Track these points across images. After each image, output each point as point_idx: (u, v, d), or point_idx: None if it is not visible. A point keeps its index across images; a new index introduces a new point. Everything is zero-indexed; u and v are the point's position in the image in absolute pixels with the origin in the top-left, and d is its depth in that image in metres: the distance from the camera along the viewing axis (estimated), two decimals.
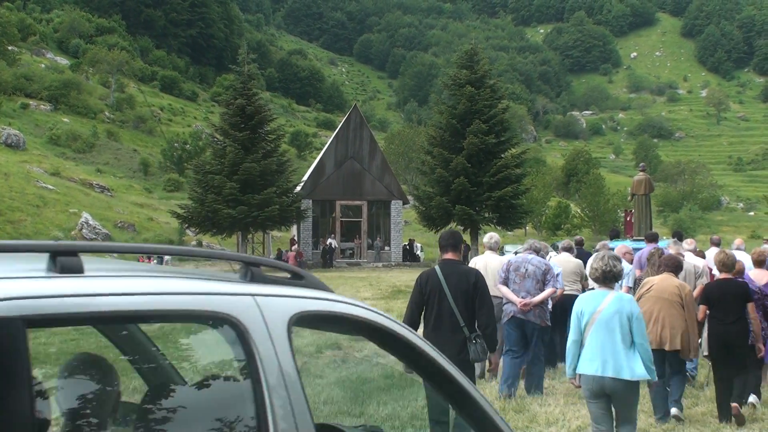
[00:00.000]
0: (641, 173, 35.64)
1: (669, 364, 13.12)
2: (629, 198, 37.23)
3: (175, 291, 3.30)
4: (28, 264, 3.14)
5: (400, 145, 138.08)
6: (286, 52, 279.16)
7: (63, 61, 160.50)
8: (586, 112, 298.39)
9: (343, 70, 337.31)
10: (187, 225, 74.63)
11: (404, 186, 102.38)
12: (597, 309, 9.92)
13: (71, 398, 3.53)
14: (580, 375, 10.05)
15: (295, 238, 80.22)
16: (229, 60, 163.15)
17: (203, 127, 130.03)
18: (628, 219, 38.10)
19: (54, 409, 3.33)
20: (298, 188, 76.40)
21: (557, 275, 15.55)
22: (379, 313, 4.02)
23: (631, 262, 18.41)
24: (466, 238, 73.19)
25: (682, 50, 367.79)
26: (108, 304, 3.00)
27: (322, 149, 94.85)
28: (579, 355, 10.06)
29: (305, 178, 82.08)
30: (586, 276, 18.57)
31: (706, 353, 14.28)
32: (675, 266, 13.24)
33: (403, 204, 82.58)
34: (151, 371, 4.06)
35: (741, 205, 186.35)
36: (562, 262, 17.86)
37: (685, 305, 12.73)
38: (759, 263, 14.90)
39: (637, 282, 16.86)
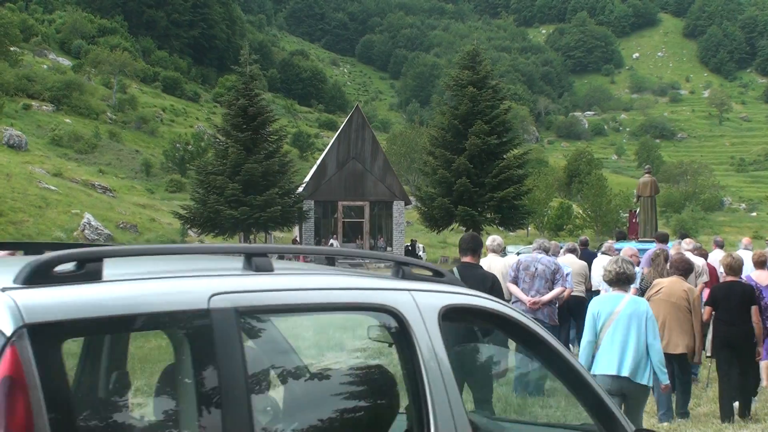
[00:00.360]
0: (647, 175, 35.55)
1: (675, 368, 13.14)
2: (635, 200, 37.16)
3: (348, 286, 4.06)
4: (220, 264, 3.99)
5: (402, 145, 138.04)
6: (288, 52, 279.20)
7: (65, 61, 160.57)
8: (589, 112, 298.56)
9: (345, 70, 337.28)
10: (189, 226, 74.71)
11: (406, 187, 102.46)
12: (614, 311, 10.06)
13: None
14: (594, 375, 10.08)
15: (297, 238, 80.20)
16: (231, 61, 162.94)
17: (205, 127, 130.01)
18: (633, 220, 37.98)
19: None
20: (300, 189, 76.50)
21: (567, 275, 15.55)
22: (509, 307, 4.71)
23: (637, 264, 18.35)
24: None
25: (684, 51, 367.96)
26: (297, 298, 3.72)
27: (324, 150, 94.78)
28: (593, 356, 10.14)
29: (307, 178, 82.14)
30: (589, 277, 18.55)
31: (709, 353, 14.32)
32: (685, 269, 13.25)
33: (405, 205, 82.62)
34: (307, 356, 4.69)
35: (743, 205, 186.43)
36: (566, 263, 17.81)
37: (693, 310, 12.74)
38: (760, 264, 14.91)
39: (643, 281, 16.77)
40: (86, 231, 73.50)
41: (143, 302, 3.18)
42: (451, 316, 4.26)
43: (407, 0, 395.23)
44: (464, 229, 74.70)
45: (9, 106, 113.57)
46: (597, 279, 18.64)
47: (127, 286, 3.22)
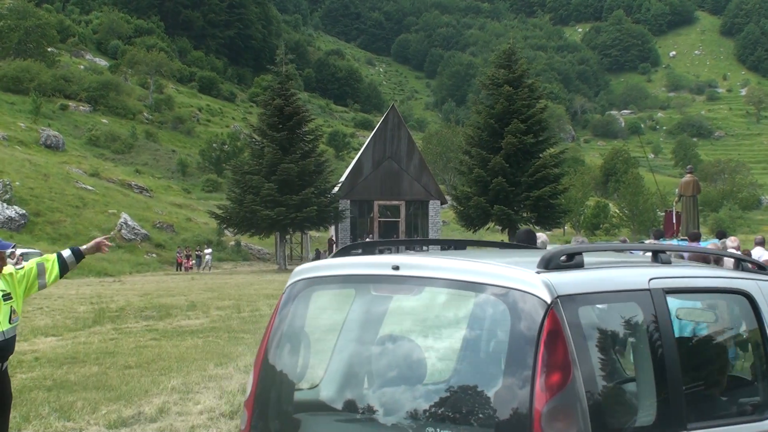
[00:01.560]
0: (689, 175, 35.29)
1: None
2: (676, 199, 36.86)
3: (716, 275, 5.73)
4: (636, 257, 6.25)
5: (438, 145, 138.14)
6: (324, 52, 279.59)
7: (102, 62, 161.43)
8: (625, 111, 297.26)
9: (381, 70, 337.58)
10: (225, 225, 74.93)
11: (442, 186, 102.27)
12: None
13: None
14: None
15: (333, 238, 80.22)
16: (267, 60, 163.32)
17: (241, 127, 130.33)
18: (674, 221, 37.67)
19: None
20: (336, 189, 76.47)
21: None
22: None
23: None
24: (504, 238, 73.13)
25: (721, 49, 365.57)
26: (687, 282, 5.37)
27: (360, 149, 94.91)
28: None
29: (343, 178, 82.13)
30: None
31: None
32: None
33: (441, 204, 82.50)
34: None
35: None
36: None
37: None
38: None
39: None
40: (123, 231, 73.84)
41: (612, 282, 4.90)
42: None
43: None
44: (500, 228, 74.71)
45: (46, 106, 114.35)
46: None
47: (602, 272, 4.96)
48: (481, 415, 4.50)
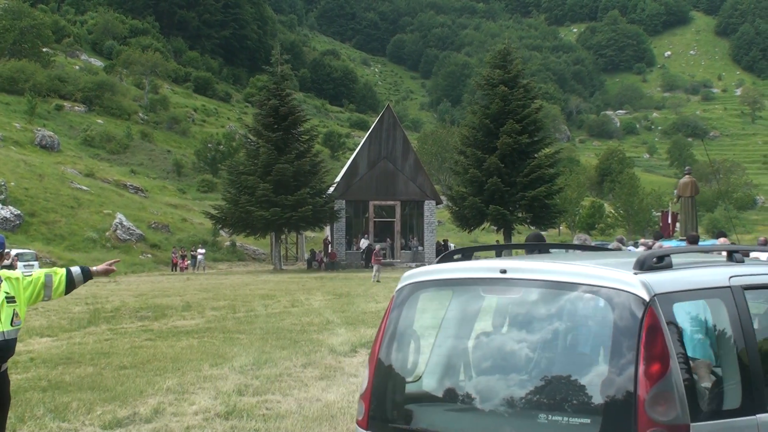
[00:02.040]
0: (687, 176, 35.29)
1: None
2: (675, 200, 36.93)
3: None
4: (710, 257, 6.83)
5: (434, 145, 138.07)
6: (319, 52, 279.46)
7: (97, 62, 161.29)
8: (620, 111, 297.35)
9: (376, 70, 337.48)
10: (220, 226, 74.90)
11: (437, 186, 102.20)
12: None
13: None
14: None
15: (329, 238, 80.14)
16: (262, 61, 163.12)
17: (237, 127, 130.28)
18: (670, 221, 37.69)
19: None
20: (332, 189, 76.37)
21: None
22: None
23: None
24: (499, 238, 73.15)
25: (716, 49, 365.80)
26: (762, 279, 5.90)
27: (355, 150, 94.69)
28: None
29: (338, 178, 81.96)
30: None
31: None
32: None
33: (437, 204, 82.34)
34: None
35: None
36: None
37: None
38: None
39: None
40: (118, 231, 73.82)
41: (699, 280, 5.52)
42: None
43: None
44: (495, 228, 74.77)
45: (41, 106, 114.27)
46: None
47: (689, 271, 5.61)
48: (575, 402, 5.10)
